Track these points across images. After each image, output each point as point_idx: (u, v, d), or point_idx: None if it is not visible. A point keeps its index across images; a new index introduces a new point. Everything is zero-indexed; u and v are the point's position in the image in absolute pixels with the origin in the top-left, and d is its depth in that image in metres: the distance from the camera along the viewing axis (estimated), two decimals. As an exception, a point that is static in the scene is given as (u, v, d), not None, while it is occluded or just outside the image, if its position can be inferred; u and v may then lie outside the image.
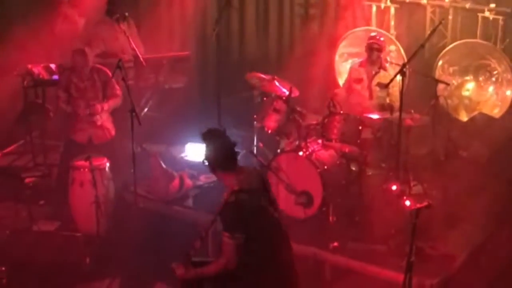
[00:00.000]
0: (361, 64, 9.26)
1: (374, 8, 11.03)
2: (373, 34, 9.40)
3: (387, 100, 8.86)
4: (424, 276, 6.55)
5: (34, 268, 7.53)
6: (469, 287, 6.78)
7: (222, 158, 5.49)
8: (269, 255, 5.42)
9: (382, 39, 9.20)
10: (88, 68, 8.92)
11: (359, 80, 9.15)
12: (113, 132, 9.10)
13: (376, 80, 8.98)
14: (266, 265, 5.41)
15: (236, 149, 5.61)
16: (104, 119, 8.99)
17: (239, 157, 5.59)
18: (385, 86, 8.26)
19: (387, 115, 8.39)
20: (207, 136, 5.56)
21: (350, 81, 9.34)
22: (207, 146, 5.54)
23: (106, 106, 8.93)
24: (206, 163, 5.57)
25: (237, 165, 5.55)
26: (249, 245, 5.28)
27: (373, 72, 9.05)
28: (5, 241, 7.99)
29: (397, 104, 8.23)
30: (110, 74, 8.77)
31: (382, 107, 8.75)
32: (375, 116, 8.43)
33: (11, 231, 8.09)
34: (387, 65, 9.21)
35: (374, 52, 9.02)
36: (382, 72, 9.02)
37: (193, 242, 5.74)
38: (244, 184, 5.44)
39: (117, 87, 9.06)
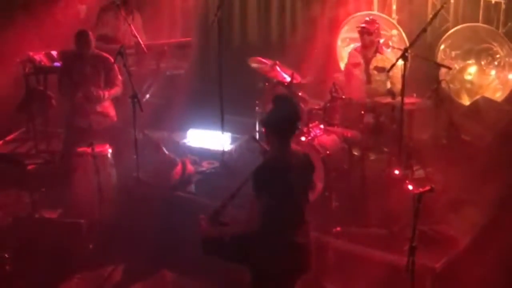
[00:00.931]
0: (356, 49, 9.29)
1: (376, -8, 11.00)
2: (367, 18, 9.38)
3: (388, 84, 8.85)
4: (427, 260, 6.56)
5: (37, 255, 7.55)
6: (472, 271, 6.76)
7: (282, 124, 5.49)
8: (285, 233, 5.45)
9: (376, 23, 9.17)
10: (90, 51, 8.92)
11: (357, 65, 9.16)
12: (114, 119, 9.10)
13: (373, 63, 8.98)
14: (280, 241, 5.44)
15: (299, 126, 5.64)
16: (105, 106, 8.99)
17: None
18: (387, 71, 8.23)
19: (388, 99, 8.39)
20: (280, 100, 5.65)
21: (349, 66, 9.36)
22: (275, 108, 5.58)
23: (107, 94, 8.92)
24: (263, 123, 5.63)
25: (291, 138, 5.55)
26: (270, 213, 5.32)
27: (369, 56, 9.05)
28: (8, 228, 8.01)
29: (398, 86, 8.24)
30: (113, 62, 8.78)
31: (382, 94, 8.75)
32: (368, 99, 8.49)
33: (14, 218, 8.10)
34: (388, 50, 9.19)
35: (364, 35, 9.04)
36: (379, 56, 9.02)
37: (224, 200, 5.79)
38: (286, 157, 5.49)
39: (119, 77, 9.07)
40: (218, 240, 5.59)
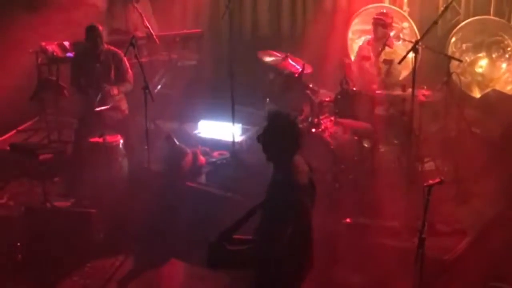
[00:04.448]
0: (368, 42, 9.29)
1: (387, -15, 11.00)
2: (382, 10, 9.39)
3: (397, 75, 8.89)
4: (435, 251, 6.58)
5: (49, 245, 7.58)
6: (480, 263, 6.78)
7: (286, 145, 5.13)
8: (303, 250, 5.19)
9: (390, 15, 9.19)
10: (102, 46, 8.93)
11: (367, 58, 9.16)
12: (126, 112, 9.12)
13: (382, 57, 8.99)
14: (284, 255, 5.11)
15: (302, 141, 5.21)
16: (117, 100, 8.98)
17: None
18: (398, 63, 8.23)
19: (399, 91, 8.40)
20: (277, 120, 5.16)
21: (358, 59, 9.36)
22: (274, 130, 5.13)
23: (116, 91, 8.90)
24: (264, 145, 5.16)
25: (294, 156, 5.18)
26: (292, 238, 4.96)
27: (379, 49, 9.05)
28: (20, 218, 8.05)
29: (396, 75, 8.32)
30: (124, 58, 8.81)
31: (393, 86, 8.77)
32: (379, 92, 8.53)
33: (26, 207, 8.13)
34: (399, 43, 9.21)
35: (379, 28, 9.05)
36: (387, 49, 9.01)
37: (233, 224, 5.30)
38: (294, 174, 5.09)
39: (130, 72, 9.07)
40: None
